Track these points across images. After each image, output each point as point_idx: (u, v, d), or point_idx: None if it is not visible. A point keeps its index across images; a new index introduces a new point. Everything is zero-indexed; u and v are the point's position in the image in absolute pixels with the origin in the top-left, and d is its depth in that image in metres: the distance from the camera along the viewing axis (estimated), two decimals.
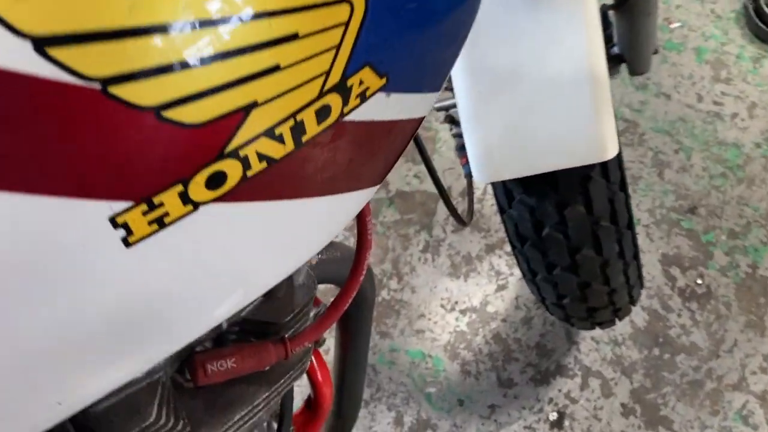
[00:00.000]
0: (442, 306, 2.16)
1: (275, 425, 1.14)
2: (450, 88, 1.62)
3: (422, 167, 2.35)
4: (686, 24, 2.67)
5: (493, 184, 1.31)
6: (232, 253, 0.42)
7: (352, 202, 0.55)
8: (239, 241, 0.41)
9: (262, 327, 0.84)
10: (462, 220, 1.28)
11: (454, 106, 1.52)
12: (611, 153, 1.07)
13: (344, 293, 0.83)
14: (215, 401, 0.86)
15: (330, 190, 0.48)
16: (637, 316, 2.15)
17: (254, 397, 0.87)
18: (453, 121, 1.59)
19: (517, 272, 2.20)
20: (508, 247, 2.24)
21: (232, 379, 0.87)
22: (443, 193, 1.19)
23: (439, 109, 1.60)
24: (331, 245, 1.05)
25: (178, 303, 0.41)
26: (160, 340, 0.43)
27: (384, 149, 0.54)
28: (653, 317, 2.15)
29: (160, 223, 0.35)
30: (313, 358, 1.29)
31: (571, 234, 1.26)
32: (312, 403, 1.33)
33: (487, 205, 2.31)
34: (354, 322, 1.21)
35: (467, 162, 1.60)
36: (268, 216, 0.42)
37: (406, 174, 2.37)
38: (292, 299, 0.86)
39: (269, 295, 0.84)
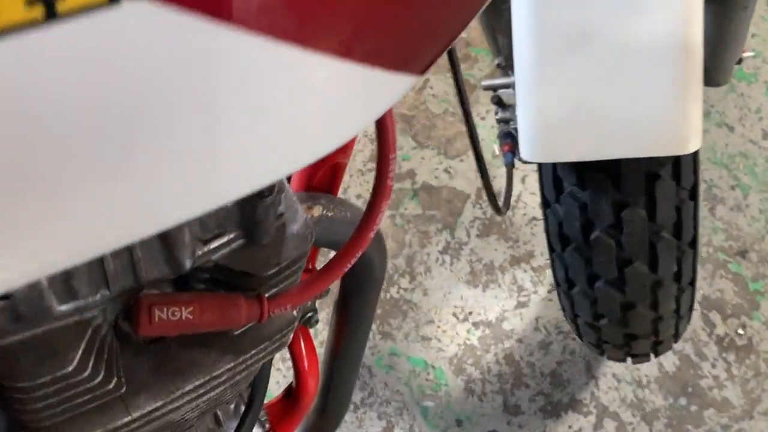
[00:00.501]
0: (455, 315, 1.96)
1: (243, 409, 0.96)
2: (503, 66, 1.43)
3: (454, 162, 2.16)
4: (761, 55, 2.46)
5: (541, 171, 1.12)
6: None
7: (388, 88, 0.37)
8: None
9: (238, 278, 0.65)
10: (498, 208, 1.09)
11: (504, 86, 1.33)
12: (693, 146, 0.88)
13: (346, 252, 0.65)
14: (165, 363, 0.68)
15: (370, 53, 0.33)
16: (667, 359, 1.93)
17: (214, 367, 0.69)
18: (500, 103, 1.40)
19: (542, 291, 2.00)
20: (534, 262, 2.04)
21: (190, 340, 0.69)
22: (484, 174, 0.99)
23: (486, 88, 1.41)
24: (340, 203, 0.86)
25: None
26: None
27: (445, 16, 0.38)
28: (685, 363, 1.94)
29: None
30: (301, 340, 1.10)
31: (625, 242, 1.07)
32: (293, 393, 1.14)
33: (519, 214, 2.11)
34: (354, 303, 1.02)
35: (510, 150, 1.40)
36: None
37: (436, 167, 2.19)
38: (280, 249, 0.67)
39: (252, 240, 0.65)
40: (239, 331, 0.70)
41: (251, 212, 0.63)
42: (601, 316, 1.22)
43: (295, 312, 0.76)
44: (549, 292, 2.01)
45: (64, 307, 0.58)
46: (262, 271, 0.66)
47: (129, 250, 0.58)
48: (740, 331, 2.00)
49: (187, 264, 0.63)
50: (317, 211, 0.83)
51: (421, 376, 1.88)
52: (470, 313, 1.97)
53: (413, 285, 1.99)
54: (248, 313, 0.63)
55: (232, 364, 0.71)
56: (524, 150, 0.97)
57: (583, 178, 1.04)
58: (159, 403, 0.67)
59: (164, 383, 0.68)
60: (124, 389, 0.65)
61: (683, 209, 1.05)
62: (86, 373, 0.59)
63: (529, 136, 0.95)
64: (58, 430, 0.63)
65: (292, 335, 0.76)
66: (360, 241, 0.64)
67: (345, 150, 0.85)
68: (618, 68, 0.85)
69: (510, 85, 1.39)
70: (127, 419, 0.66)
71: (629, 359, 1.44)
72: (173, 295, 0.61)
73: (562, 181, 1.08)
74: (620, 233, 1.06)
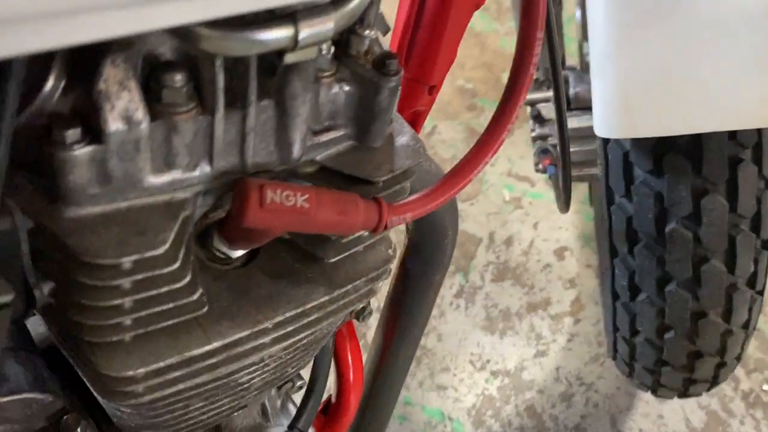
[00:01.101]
0: (471, 362, 1.83)
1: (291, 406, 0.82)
2: (541, 81, 1.40)
3: (465, 206, 2.10)
4: None
5: (607, 160, 1.06)
6: None
7: None
8: None
9: (348, 186, 0.55)
10: (566, 204, 1.01)
11: (544, 100, 1.29)
12: None
13: (479, 150, 0.55)
14: (248, 290, 0.57)
15: None
16: (694, 414, 1.82)
17: (307, 299, 0.58)
18: (539, 119, 1.36)
19: (561, 340, 1.89)
20: (552, 309, 1.95)
21: (277, 268, 0.58)
22: (567, 163, 0.91)
23: (527, 103, 1.37)
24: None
25: None
26: None
27: None
28: (712, 419, 1.82)
29: None
30: (348, 343, 0.97)
31: (703, 234, 0.99)
32: (330, 409, 1.00)
33: (533, 260, 2.03)
34: (413, 288, 0.91)
35: (551, 163, 1.34)
36: None
37: None
38: (391, 156, 0.58)
39: (364, 140, 0.56)
40: (335, 259, 0.59)
41: (366, 106, 0.54)
42: (667, 329, 1.12)
43: (391, 251, 0.65)
44: (568, 341, 1.90)
45: (157, 179, 0.47)
46: (375, 176, 0.56)
47: (242, 121, 0.48)
48: (765, 387, 1.91)
49: (296, 152, 0.53)
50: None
51: (437, 429, 1.72)
52: (488, 361, 1.84)
53: (427, 329, 1.86)
54: (366, 216, 0.53)
55: (325, 298, 0.59)
56: (600, 126, 0.90)
57: (660, 163, 0.98)
58: (243, 334, 0.55)
59: (248, 311, 0.56)
60: (205, 309, 0.53)
61: (763, 200, 0.99)
62: (175, 266, 0.48)
63: (606, 110, 0.88)
64: (127, 353, 0.50)
65: (384, 279, 0.65)
66: (496, 136, 0.55)
67: (430, 95, 0.77)
68: (704, 36, 0.81)
69: (549, 99, 1.35)
70: (206, 348, 0.53)
71: (680, 393, 1.33)
72: (286, 182, 0.51)
73: (633, 169, 1.01)
74: (699, 225, 0.99)
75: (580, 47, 1.41)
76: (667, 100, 0.86)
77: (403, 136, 0.61)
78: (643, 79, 0.87)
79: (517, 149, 2.24)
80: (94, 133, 0.43)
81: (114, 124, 0.42)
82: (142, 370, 0.50)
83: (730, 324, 1.10)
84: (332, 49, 0.51)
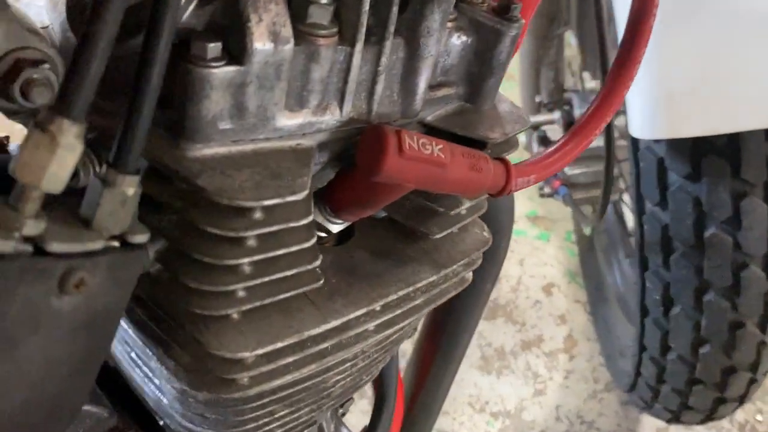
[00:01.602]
0: (470, 404, 1.75)
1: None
2: (545, 104, 1.40)
3: None
4: None
5: (639, 168, 1.04)
6: None
7: None
8: None
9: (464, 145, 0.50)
10: (600, 214, 0.99)
11: (548, 122, 1.29)
12: None
13: (603, 104, 0.52)
14: (353, 269, 0.51)
15: None
16: None
17: (415, 277, 0.52)
18: (545, 141, 1.35)
19: (557, 377, 1.85)
20: (545, 346, 1.90)
21: (377, 249, 0.52)
22: (609, 178, 0.89)
23: (531, 127, 1.36)
24: None
25: None
26: None
27: None
28: None
29: None
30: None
31: (743, 238, 0.98)
32: None
33: (522, 297, 2.00)
34: (460, 299, 0.85)
35: (562, 183, 1.33)
36: None
37: None
38: (500, 119, 0.54)
39: (474, 100, 0.52)
40: (440, 234, 0.53)
41: (483, 59, 0.50)
42: (702, 343, 1.09)
43: (486, 233, 0.60)
44: (565, 378, 1.86)
45: (288, 120, 0.41)
46: (490, 137, 0.51)
47: (377, 57, 0.43)
48: (759, 417, 1.91)
49: (418, 102, 0.48)
50: None
51: None
52: (487, 402, 1.76)
53: None
54: (495, 173, 0.48)
55: (432, 278, 0.53)
56: (636, 127, 0.89)
57: (698, 167, 0.97)
58: (359, 312, 0.48)
59: (361, 288, 0.49)
60: (321, 282, 0.46)
61: None
62: (309, 219, 0.41)
63: (643, 111, 0.87)
64: (239, 332, 0.42)
65: (480, 262, 0.60)
66: (618, 88, 0.52)
67: None
68: (745, 33, 0.81)
69: (554, 121, 1.34)
70: (323, 327, 0.46)
71: (706, 416, 1.30)
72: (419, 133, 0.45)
73: (668, 175, 1.00)
74: (738, 228, 0.98)
75: (580, 70, 1.43)
76: (707, 98, 0.85)
77: (504, 103, 0.57)
78: (682, 77, 0.86)
79: None
80: (235, 53, 0.37)
81: (260, 41, 0.36)
82: (259, 351, 0.43)
83: (766, 334, 1.08)
84: None
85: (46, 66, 0.36)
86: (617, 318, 1.71)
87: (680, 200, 1.00)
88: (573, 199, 1.30)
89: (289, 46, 0.38)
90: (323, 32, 0.39)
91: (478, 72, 0.51)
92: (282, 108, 0.40)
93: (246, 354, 0.42)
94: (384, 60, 0.43)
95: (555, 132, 1.36)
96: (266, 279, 0.42)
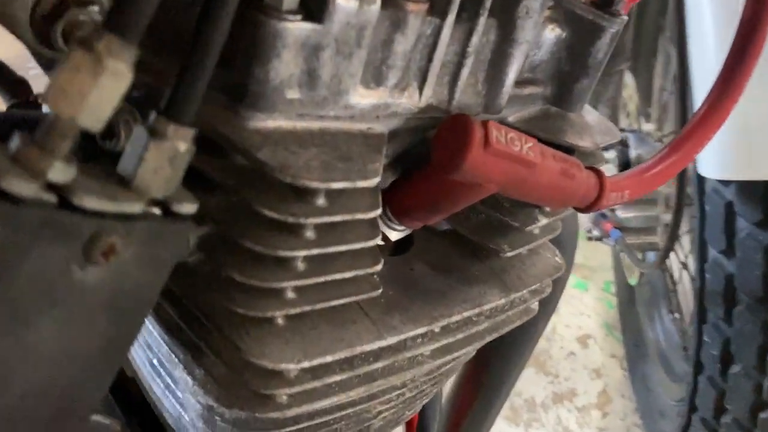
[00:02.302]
0: None
1: None
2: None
3: None
4: None
5: (704, 212, 0.97)
6: None
7: None
8: None
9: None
10: (663, 258, 0.92)
11: (622, 144, 1.23)
12: None
13: (711, 110, 0.46)
14: (413, 283, 0.45)
15: None
16: None
17: (482, 299, 0.46)
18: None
19: None
20: (578, 401, 1.80)
21: (441, 265, 0.46)
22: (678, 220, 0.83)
23: (605, 148, 1.30)
24: None
25: None
26: None
27: None
28: None
29: None
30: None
31: None
32: None
33: (556, 347, 1.91)
34: (509, 335, 0.78)
35: (615, 227, 1.26)
36: None
37: None
38: (589, 127, 0.48)
39: (562, 103, 0.46)
40: (512, 253, 0.47)
41: (577, 57, 0.45)
42: (763, 407, 1.00)
43: (558, 259, 0.53)
44: None
45: (362, 98, 0.36)
46: (579, 143, 0.46)
47: (467, 36, 0.37)
48: None
49: (504, 96, 0.42)
50: None
51: None
52: None
53: None
54: (588, 184, 0.42)
55: (501, 301, 0.47)
56: (705, 165, 0.82)
57: None
58: (419, 331, 0.42)
59: (422, 306, 0.43)
60: (379, 291, 0.40)
61: None
62: (376, 212, 0.35)
63: (713, 148, 0.80)
64: (285, 341, 0.36)
65: (548, 291, 0.53)
66: (728, 99, 0.45)
67: None
68: None
69: (608, 161, 1.28)
70: (379, 344, 0.39)
71: None
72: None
73: (736, 220, 0.93)
74: None
75: (637, 110, 1.37)
76: None
77: (589, 113, 0.51)
78: (761, 113, 0.79)
79: None
80: (313, 8, 0.32)
81: None
82: (305, 364, 0.36)
83: None
84: None
85: (95, 8, 0.31)
86: (658, 376, 1.61)
87: (749, 248, 0.92)
88: (626, 244, 1.23)
89: (376, 7, 0.33)
90: None
91: (570, 71, 0.46)
92: (357, 82, 0.35)
93: (290, 366, 0.36)
94: (475, 40, 0.38)
95: (609, 172, 1.29)
96: (321, 279, 0.36)
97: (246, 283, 0.34)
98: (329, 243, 0.35)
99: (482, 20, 0.38)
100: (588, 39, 0.45)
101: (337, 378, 0.39)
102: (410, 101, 0.38)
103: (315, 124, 0.35)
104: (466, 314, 0.45)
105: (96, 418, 0.48)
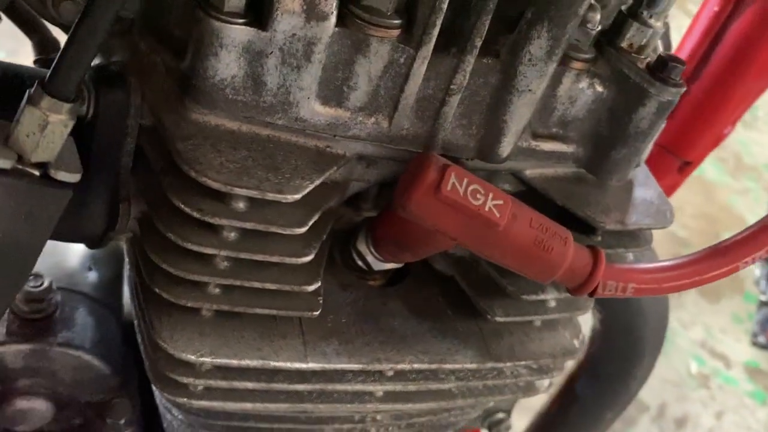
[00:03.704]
0: None
1: None
2: None
3: None
4: None
5: None
6: None
7: None
8: None
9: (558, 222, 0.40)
10: None
11: None
12: None
13: None
14: (376, 316, 0.43)
15: None
16: None
17: (448, 357, 0.43)
18: None
19: None
20: None
21: (427, 310, 0.44)
22: None
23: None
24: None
25: None
26: None
27: None
28: None
29: None
30: None
31: None
32: None
33: None
34: (579, 424, 0.71)
35: None
36: None
37: None
38: (626, 205, 0.42)
39: (595, 170, 0.41)
40: (504, 319, 0.43)
41: (618, 120, 0.40)
42: None
43: (577, 343, 0.48)
44: None
45: (318, 112, 0.35)
46: (599, 220, 0.41)
47: (451, 72, 0.35)
48: None
49: (505, 147, 0.39)
50: None
51: None
52: None
53: None
54: (573, 263, 0.37)
55: (471, 366, 0.43)
56: None
57: None
58: (351, 367, 0.40)
59: (369, 342, 0.41)
60: (316, 313, 0.39)
61: None
62: (300, 230, 0.35)
63: None
64: (200, 333, 0.38)
65: (555, 376, 0.48)
66: None
67: (680, 174, 0.60)
68: None
69: None
70: (299, 366, 0.39)
71: None
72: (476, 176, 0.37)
73: None
74: None
75: None
76: None
77: (648, 189, 0.45)
78: None
79: (719, 320, 1.93)
80: (259, 15, 0.32)
81: (289, 6, 0.31)
82: (208, 361, 0.37)
83: None
84: (599, 28, 0.38)
85: None
86: None
87: None
88: None
89: (327, 24, 0.32)
90: (379, 21, 0.33)
91: (609, 135, 0.41)
92: (311, 97, 0.35)
93: (191, 357, 0.37)
94: (460, 78, 0.36)
95: None
96: (246, 284, 0.37)
97: (164, 269, 0.36)
98: (251, 249, 0.36)
99: (469, 59, 0.35)
100: (631, 103, 0.39)
101: (250, 385, 0.39)
102: (378, 128, 0.36)
103: (264, 131, 0.35)
104: (419, 366, 0.42)
105: (87, 357, 0.53)
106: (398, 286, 0.46)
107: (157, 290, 0.37)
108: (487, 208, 0.35)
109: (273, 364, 0.39)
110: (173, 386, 0.40)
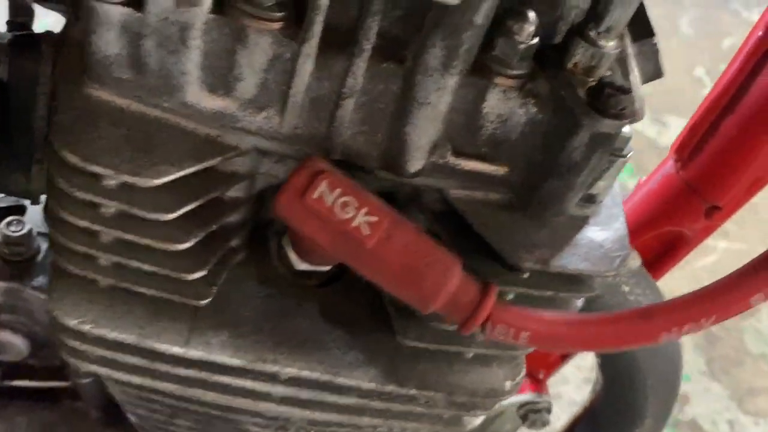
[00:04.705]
0: None
1: None
2: None
3: (747, 418, 1.64)
4: None
5: None
6: None
7: None
8: None
9: (482, 256, 0.37)
10: None
11: None
12: None
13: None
14: (286, 315, 0.42)
15: None
16: None
17: (344, 371, 0.41)
18: None
19: None
20: None
21: (343, 319, 0.42)
22: None
23: None
24: (648, 283, 0.54)
25: None
26: None
27: None
28: None
29: None
30: None
31: None
32: None
33: None
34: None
35: None
36: None
37: (721, 413, 1.68)
38: (559, 243, 0.38)
39: (522, 199, 0.37)
40: (413, 343, 0.41)
41: (551, 149, 0.36)
42: None
43: (509, 385, 0.44)
44: None
45: (204, 101, 0.35)
46: (515, 257, 0.37)
47: (343, 74, 0.33)
48: None
49: (412, 161, 0.36)
50: (638, 261, 0.51)
51: None
52: None
53: None
54: (457, 294, 0.34)
55: (370, 386, 0.41)
56: None
57: None
58: (232, 362, 0.40)
59: (263, 342, 0.41)
60: (204, 302, 0.39)
61: None
62: (168, 216, 0.35)
63: None
64: (89, 301, 0.39)
65: (481, 415, 0.45)
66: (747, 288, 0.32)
67: (708, 219, 0.53)
68: None
69: None
70: (175, 350, 0.40)
71: None
72: (361, 187, 0.35)
73: None
74: None
75: None
76: None
77: (606, 231, 0.40)
78: None
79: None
80: None
81: None
82: (86, 329, 0.39)
83: None
84: (534, 41, 0.34)
85: None
86: None
87: None
88: None
89: (200, 11, 0.32)
90: (257, 12, 0.32)
91: (542, 164, 0.37)
92: (195, 83, 0.34)
93: (71, 322, 0.39)
94: (351, 81, 0.34)
95: None
96: (125, 262, 0.38)
97: (57, 236, 0.38)
98: (126, 228, 0.36)
99: (359, 62, 0.33)
100: (565, 131, 0.35)
101: (132, 360, 0.40)
102: (269, 123, 0.35)
103: (153, 112, 0.35)
104: (307, 374, 0.41)
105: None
106: (326, 288, 0.45)
107: (54, 253, 0.39)
108: (355, 224, 0.33)
109: (150, 344, 0.39)
110: (69, 350, 0.42)
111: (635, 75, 0.39)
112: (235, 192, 0.39)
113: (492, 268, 0.38)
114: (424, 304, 0.35)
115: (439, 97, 0.34)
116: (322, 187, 0.33)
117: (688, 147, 0.52)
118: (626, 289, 0.53)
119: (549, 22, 0.35)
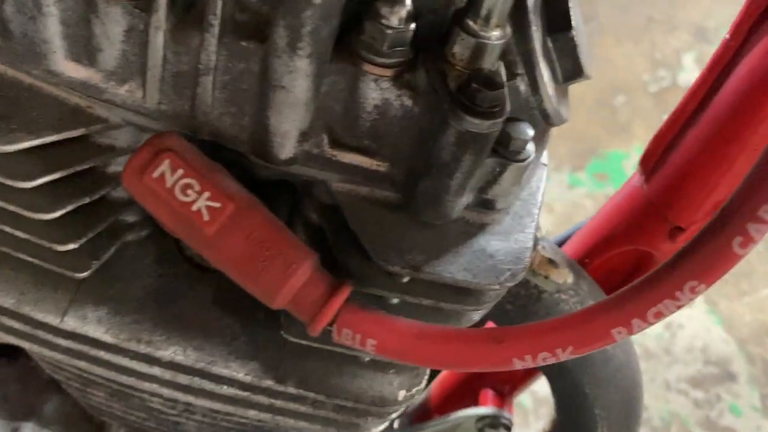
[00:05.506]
0: None
1: None
2: None
3: None
4: None
5: None
6: None
7: None
8: None
9: (346, 252, 0.36)
10: None
11: None
12: None
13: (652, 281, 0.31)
14: (175, 298, 0.42)
15: None
16: None
17: (221, 363, 0.41)
18: None
19: None
20: None
21: (237, 308, 0.41)
22: None
23: None
24: (593, 290, 0.50)
25: None
26: None
27: None
28: None
29: None
30: None
31: None
32: None
33: None
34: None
35: None
36: None
37: None
38: (443, 247, 0.36)
39: (408, 200, 0.35)
40: (295, 339, 0.39)
41: (424, 146, 0.33)
42: None
43: (402, 395, 0.42)
44: None
45: (70, 69, 0.35)
46: (381, 258, 0.34)
47: (197, 50, 0.32)
48: None
49: (282, 147, 0.35)
50: (567, 277, 0.47)
51: None
52: None
53: None
54: (302, 288, 0.32)
55: (245, 379, 0.40)
56: None
57: None
58: (105, 339, 0.40)
59: (141, 322, 0.40)
60: (82, 275, 0.39)
61: None
62: (28, 184, 0.35)
63: None
64: None
65: (374, 425, 0.42)
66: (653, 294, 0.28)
67: (671, 241, 0.48)
68: None
69: None
70: (50, 320, 0.40)
71: None
72: (210, 162, 0.33)
73: None
74: None
75: None
76: None
77: (504, 242, 0.37)
78: None
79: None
80: None
81: None
82: None
83: None
84: (412, 28, 0.31)
85: None
86: None
87: None
88: None
89: None
90: None
91: (418, 162, 0.34)
92: (58, 50, 0.34)
93: None
94: (205, 58, 0.32)
95: None
96: (3, 227, 0.38)
97: None
98: None
99: (209, 37, 0.31)
100: (435, 127, 0.32)
101: (12, 324, 0.41)
102: (132, 97, 0.34)
103: (25, 78, 0.35)
104: (180, 359, 0.40)
105: None
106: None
107: None
108: (194, 208, 0.32)
109: (27, 310, 0.40)
110: None
111: (542, 71, 0.35)
112: (117, 166, 0.38)
113: (371, 269, 0.36)
114: (267, 299, 0.33)
115: (292, 80, 0.32)
116: (164, 166, 0.32)
117: (652, 159, 0.47)
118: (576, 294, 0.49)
119: (432, 9, 0.33)
